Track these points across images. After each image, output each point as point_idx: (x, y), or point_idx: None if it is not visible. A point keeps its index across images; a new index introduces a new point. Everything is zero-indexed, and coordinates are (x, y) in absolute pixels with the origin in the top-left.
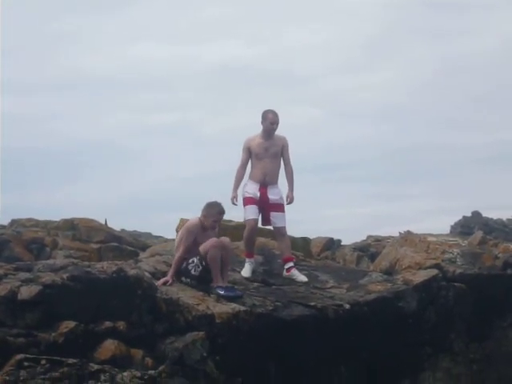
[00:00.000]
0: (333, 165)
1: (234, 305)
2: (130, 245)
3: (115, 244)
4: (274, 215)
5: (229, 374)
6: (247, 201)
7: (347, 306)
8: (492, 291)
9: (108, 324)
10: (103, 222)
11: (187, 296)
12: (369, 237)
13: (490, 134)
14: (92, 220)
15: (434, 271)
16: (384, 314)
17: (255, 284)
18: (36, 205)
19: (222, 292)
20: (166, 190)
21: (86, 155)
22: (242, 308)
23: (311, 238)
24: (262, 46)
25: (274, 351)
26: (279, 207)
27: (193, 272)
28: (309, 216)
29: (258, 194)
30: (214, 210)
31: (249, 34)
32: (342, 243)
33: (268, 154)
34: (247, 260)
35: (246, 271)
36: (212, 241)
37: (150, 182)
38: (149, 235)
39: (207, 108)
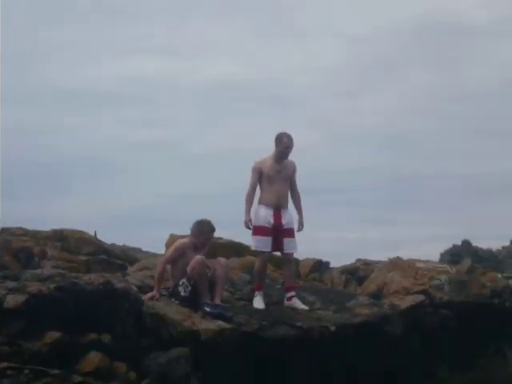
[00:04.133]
0: (325, 189)
1: (219, 322)
2: (118, 258)
3: (104, 257)
4: (287, 241)
5: None
6: (260, 231)
7: (333, 328)
8: (478, 319)
9: (93, 336)
10: (92, 234)
11: (173, 311)
12: (358, 260)
13: (486, 164)
14: (82, 232)
15: (421, 297)
16: (369, 338)
17: (242, 302)
18: (26, 215)
19: (208, 309)
20: (156, 206)
21: (77, 168)
22: (228, 326)
23: (300, 259)
24: (258, 65)
25: (258, 370)
26: (292, 233)
27: (182, 293)
28: (299, 237)
29: (272, 221)
30: (204, 228)
31: (243, 53)
32: (330, 265)
33: (280, 176)
34: (257, 292)
35: (259, 303)
36: (196, 258)
37: (140, 197)
38: (138, 250)
39: (196, 125)
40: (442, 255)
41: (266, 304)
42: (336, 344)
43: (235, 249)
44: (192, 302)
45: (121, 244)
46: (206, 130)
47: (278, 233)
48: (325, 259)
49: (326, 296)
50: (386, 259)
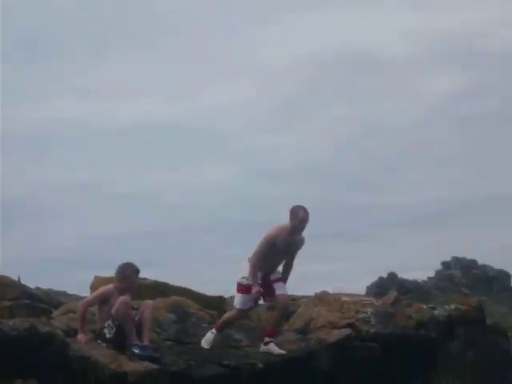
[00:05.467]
0: (249, 222)
1: (146, 363)
2: (43, 302)
3: (28, 301)
4: (277, 285)
5: None
6: (246, 289)
7: (261, 365)
8: (405, 351)
9: (19, 382)
10: (16, 279)
11: (100, 354)
12: None
13: (406, 196)
14: (4, 277)
15: (348, 331)
16: (297, 373)
17: (168, 343)
18: None
19: (137, 351)
20: (79, 248)
21: None
22: (155, 366)
23: (226, 297)
24: (183, 103)
25: None
26: (280, 279)
27: (108, 335)
28: (225, 274)
29: (260, 281)
30: (127, 271)
31: (169, 92)
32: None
33: (285, 252)
34: (214, 331)
35: (208, 342)
36: (120, 299)
37: (64, 240)
38: (64, 293)
39: (119, 167)
40: (369, 288)
41: (195, 343)
42: (265, 380)
43: (160, 289)
44: (118, 343)
45: (46, 288)
46: (127, 171)
47: (269, 286)
48: None
49: (253, 333)
50: (313, 294)
